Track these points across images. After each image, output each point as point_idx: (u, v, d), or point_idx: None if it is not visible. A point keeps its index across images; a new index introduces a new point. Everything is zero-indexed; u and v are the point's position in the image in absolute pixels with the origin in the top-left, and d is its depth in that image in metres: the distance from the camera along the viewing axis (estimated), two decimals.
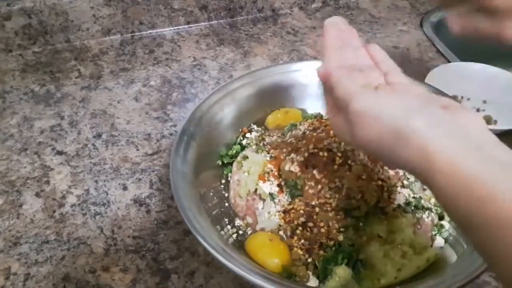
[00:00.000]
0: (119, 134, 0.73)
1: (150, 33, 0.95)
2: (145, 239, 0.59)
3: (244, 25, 0.99)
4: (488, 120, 0.78)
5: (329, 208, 0.52)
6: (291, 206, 0.54)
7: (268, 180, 0.56)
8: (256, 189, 0.56)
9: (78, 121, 0.76)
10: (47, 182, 0.66)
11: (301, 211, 0.53)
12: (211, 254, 0.48)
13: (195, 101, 0.79)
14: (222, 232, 0.55)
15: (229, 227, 0.56)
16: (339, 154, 0.55)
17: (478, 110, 0.81)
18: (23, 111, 0.77)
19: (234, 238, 0.55)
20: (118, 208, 0.63)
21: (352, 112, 0.37)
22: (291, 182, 0.55)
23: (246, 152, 0.61)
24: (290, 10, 1.04)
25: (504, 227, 0.28)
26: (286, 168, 0.56)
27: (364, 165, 0.54)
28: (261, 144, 0.63)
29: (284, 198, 0.56)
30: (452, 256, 0.53)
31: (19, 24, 0.86)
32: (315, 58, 0.88)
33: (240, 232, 0.56)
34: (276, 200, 0.55)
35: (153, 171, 0.68)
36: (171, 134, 0.73)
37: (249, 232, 0.56)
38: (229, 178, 0.61)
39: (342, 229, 0.52)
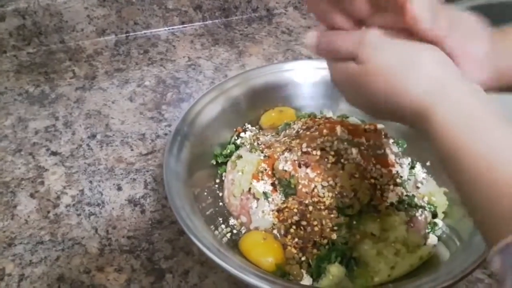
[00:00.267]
0: (113, 135, 0.73)
1: (145, 33, 0.95)
2: (140, 239, 0.59)
3: (239, 25, 0.99)
4: None
5: (322, 207, 0.53)
6: (284, 205, 0.54)
7: (262, 179, 0.57)
8: (250, 188, 0.57)
9: (73, 121, 0.76)
10: (42, 183, 0.66)
11: (295, 210, 0.53)
12: (205, 254, 0.48)
13: (189, 101, 0.79)
14: (216, 232, 0.55)
15: (223, 226, 0.57)
16: (332, 153, 0.55)
17: None
18: (18, 111, 0.77)
19: (228, 237, 0.56)
20: (113, 208, 0.63)
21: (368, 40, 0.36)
22: (285, 181, 0.55)
23: (240, 151, 0.61)
24: (284, 9, 1.04)
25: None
26: (280, 167, 0.56)
27: (357, 163, 0.54)
28: (255, 144, 0.63)
29: (277, 197, 0.56)
30: (445, 254, 0.53)
31: (13, 25, 0.86)
32: (309, 58, 0.88)
33: (234, 231, 0.56)
34: (270, 199, 0.56)
35: (147, 171, 0.68)
36: (165, 134, 0.73)
37: (243, 231, 0.56)
38: (223, 178, 0.61)
39: (335, 228, 0.52)
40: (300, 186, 0.54)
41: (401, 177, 0.57)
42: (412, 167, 0.61)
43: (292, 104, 0.70)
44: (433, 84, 0.34)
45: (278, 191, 0.56)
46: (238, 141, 0.65)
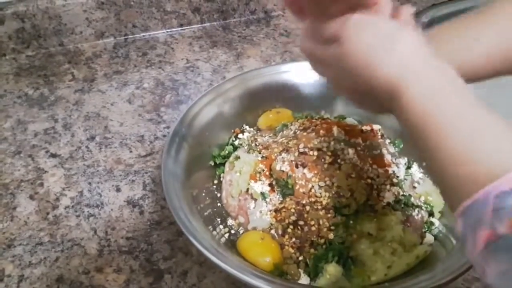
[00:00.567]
0: (112, 136, 0.74)
1: (143, 35, 0.96)
2: (139, 240, 0.59)
3: (237, 27, 0.99)
4: None
5: (319, 207, 0.53)
6: (282, 205, 0.55)
7: (260, 180, 0.57)
8: (247, 189, 0.57)
9: (72, 123, 0.76)
10: (41, 185, 0.66)
11: (292, 210, 0.54)
12: (203, 254, 0.49)
13: (188, 102, 0.79)
14: (215, 232, 0.55)
15: (221, 226, 0.57)
16: (329, 153, 0.55)
17: None
18: (17, 114, 0.78)
19: (226, 237, 0.56)
20: (112, 210, 0.63)
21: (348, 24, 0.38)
22: (282, 182, 0.56)
23: (238, 152, 0.62)
24: (282, 11, 1.04)
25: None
26: (277, 167, 0.56)
27: (354, 164, 0.55)
28: (253, 145, 0.63)
29: (275, 197, 0.56)
30: (442, 253, 0.54)
31: (13, 28, 0.86)
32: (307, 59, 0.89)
33: (232, 231, 0.57)
34: (268, 199, 0.56)
35: (146, 173, 0.68)
36: (164, 136, 0.74)
37: (241, 232, 0.57)
38: (221, 179, 0.62)
39: (332, 227, 0.52)
40: (297, 186, 0.55)
41: (398, 177, 0.57)
42: (409, 167, 0.61)
43: (289, 105, 0.71)
44: (405, 61, 0.36)
45: (276, 192, 0.56)
46: (236, 142, 0.65)
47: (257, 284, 0.47)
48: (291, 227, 0.53)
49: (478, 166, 0.31)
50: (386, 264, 0.51)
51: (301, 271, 0.52)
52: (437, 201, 0.58)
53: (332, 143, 0.56)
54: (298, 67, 0.71)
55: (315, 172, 0.54)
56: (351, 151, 0.56)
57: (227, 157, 0.63)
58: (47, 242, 0.59)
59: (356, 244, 0.52)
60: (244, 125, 0.68)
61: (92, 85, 0.84)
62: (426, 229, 0.56)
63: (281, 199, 0.56)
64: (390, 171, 0.57)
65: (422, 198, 0.58)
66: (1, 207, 0.63)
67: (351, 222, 0.53)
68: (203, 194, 0.60)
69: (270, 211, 0.56)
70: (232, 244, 0.55)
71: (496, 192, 0.29)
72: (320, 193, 0.54)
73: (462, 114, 0.33)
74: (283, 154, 0.57)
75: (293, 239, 0.53)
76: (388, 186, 0.55)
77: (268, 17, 1.03)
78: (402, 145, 0.64)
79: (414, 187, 0.60)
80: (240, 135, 0.66)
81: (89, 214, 0.63)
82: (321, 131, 0.58)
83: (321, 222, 0.52)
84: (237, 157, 0.60)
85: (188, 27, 0.98)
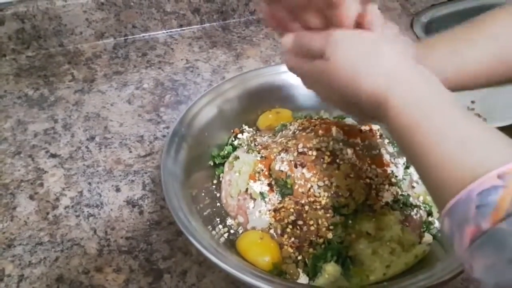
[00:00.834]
0: (112, 137, 0.74)
1: (143, 36, 0.96)
2: (138, 240, 0.60)
3: (237, 28, 1.00)
4: None
5: (318, 206, 0.53)
6: (281, 205, 0.55)
7: (259, 180, 0.57)
8: (247, 189, 0.57)
9: (72, 124, 0.76)
10: (41, 185, 0.67)
11: (291, 210, 0.54)
12: (203, 254, 0.49)
13: (187, 103, 0.80)
14: (214, 232, 0.56)
15: (220, 226, 0.57)
16: (328, 153, 0.55)
17: (467, 109, 0.82)
18: (17, 114, 0.78)
19: (226, 237, 0.56)
20: (111, 210, 0.63)
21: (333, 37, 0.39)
22: (281, 181, 0.56)
23: (238, 152, 0.62)
24: None
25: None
26: (276, 167, 0.57)
27: (352, 163, 0.55)
28: (252, 145, 0.63)
29: (274, 197, 0.56)
30: (440, 252, 0.54)
31: (13, 29, 0.87)
32: None
33: (232, 231, 0.57)
34: (267, 199, 0.56)
35: (145, 173, 0.68)
36: (163, 136, 0.74)
37: (240, 231, 0.57)
38: (220, 179, 0.62)
39: (331, 227, 0.52)
40: (296, 186, 0.55)
41: (396, 176, 0.57)
42: (407, 167, 0.62)
43: (288, 105, 0.71)
44: (390, 73, 0.37)
45: (275, 191, 0.57)
46: (235, 142, 0.66)
47: (256, 283, 0.47)
48: (290, 226, 0.54)
49: (465, 171, 0.31)
50: (384, 264, 0.51)
51: (300, 270, 0.52)
52: None
53: (331, 143, 0.56)
54: None
55: (314, 172, 0.54)
56: (350, 151, 0.56)
57: (226, 157, 0.63)
58: (47, 242, 0.59)
59: (355, 244, 0.52)
60: (243, 125, 0.69)
61: (92, 85, 0.84)
62: (425, 228, 0.56)
63: (280, 199, 0.56)
64: (389, 171, 0.57)
65: (421, 198, 0.58)
66: (1, 207, 0.64)
67: (350, 221, 0.53)
68: (203, 194, 0.60)
69: (269, 211, 0.56)
70: (231, 243, 0.55)
71: (479, 189, 0.30)
72: (319, 193, 0.54)
73: (448, 122, 0.34)
74: (282, 154, 0.57)
75: (292, 239, 0.53)
76: (386, 186, 0.55)
77: None
78: None
79: (413, 187, 0.60)
80: (239, 135, 0.67)
81: (89, 214, 0.63)
82: (320, 131, 0.58)
83: (320, 221, 0.53)
84: (237, 157, 0.60)
85: (188, 27, 0.98)
